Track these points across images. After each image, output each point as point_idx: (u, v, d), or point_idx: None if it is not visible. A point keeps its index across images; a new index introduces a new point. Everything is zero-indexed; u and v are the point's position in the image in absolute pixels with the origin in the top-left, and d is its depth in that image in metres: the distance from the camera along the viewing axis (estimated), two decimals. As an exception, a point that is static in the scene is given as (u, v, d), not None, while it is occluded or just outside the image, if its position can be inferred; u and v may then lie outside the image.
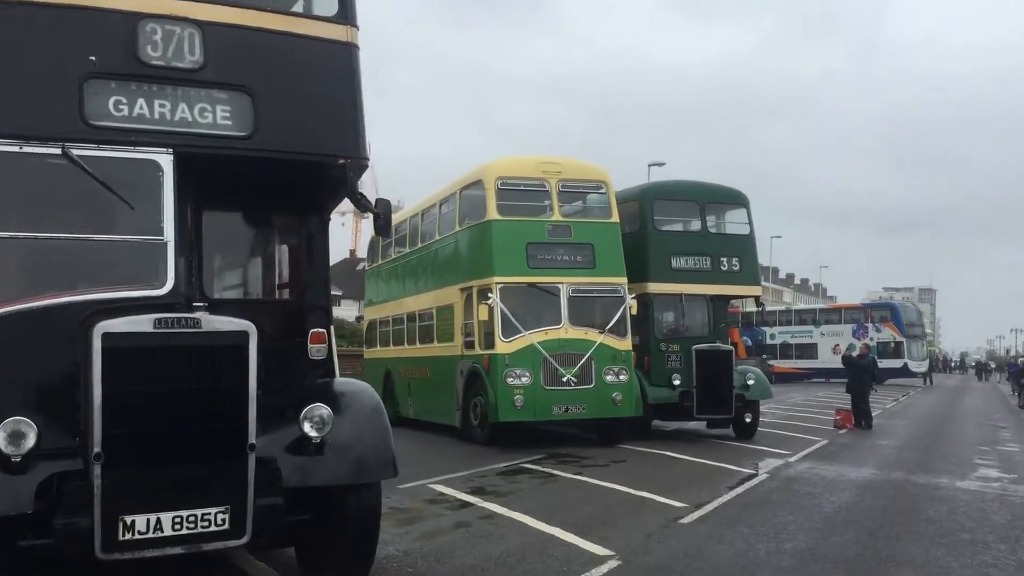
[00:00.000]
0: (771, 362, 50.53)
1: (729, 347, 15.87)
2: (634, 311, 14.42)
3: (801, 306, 71.00)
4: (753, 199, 16.82)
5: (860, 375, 19.92)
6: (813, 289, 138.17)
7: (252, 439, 4.70)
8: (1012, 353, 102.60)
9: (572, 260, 14.23)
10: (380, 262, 20.26)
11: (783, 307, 63.32)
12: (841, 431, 18.64)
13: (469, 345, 14.43)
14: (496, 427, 13.62)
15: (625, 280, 14.45)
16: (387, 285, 19.65)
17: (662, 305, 15.80)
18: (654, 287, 15.63)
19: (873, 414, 20.38)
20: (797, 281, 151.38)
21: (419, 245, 17.45)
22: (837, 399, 24.59)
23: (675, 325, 15.98)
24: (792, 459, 13.49)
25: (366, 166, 5.68)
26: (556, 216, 14.36)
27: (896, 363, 46.74)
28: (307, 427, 5.00)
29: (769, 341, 52.87)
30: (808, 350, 50.32)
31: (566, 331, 13.82)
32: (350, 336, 28.46)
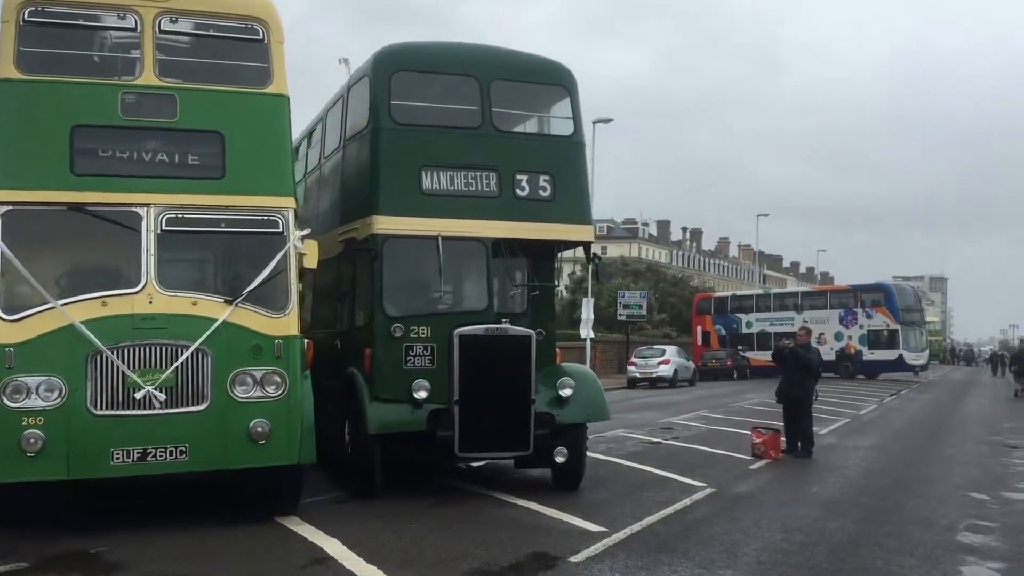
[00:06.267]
0: (747, 354, 43.82)
1: (525, 332, 8.86)
2: (310, 263, 7.58)
3: (780, 289, 63.91)
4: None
5: (800, 376, 13.09)
6: (820, 279, 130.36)
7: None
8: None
9: (173, 162, 7.34)
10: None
11: (760, 290, 56.07)
12: (757, 464, 11.85)
13: None
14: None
15: (290, 202, 7.57)
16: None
17: (401, 256, 8.74)
18: (386, 223, 8.70)
19: (825, 430, 13.56)
20: (803, 270, 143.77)
21: None
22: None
23: (425, 292, 9.07)
24: (590, 550, 6.68)
25: None
26: (148, 78, 7.44)
27: (890, 355, 40.33)
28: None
29: (745, 330, 45.97)
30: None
31: (150, 298, 6.97)
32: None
